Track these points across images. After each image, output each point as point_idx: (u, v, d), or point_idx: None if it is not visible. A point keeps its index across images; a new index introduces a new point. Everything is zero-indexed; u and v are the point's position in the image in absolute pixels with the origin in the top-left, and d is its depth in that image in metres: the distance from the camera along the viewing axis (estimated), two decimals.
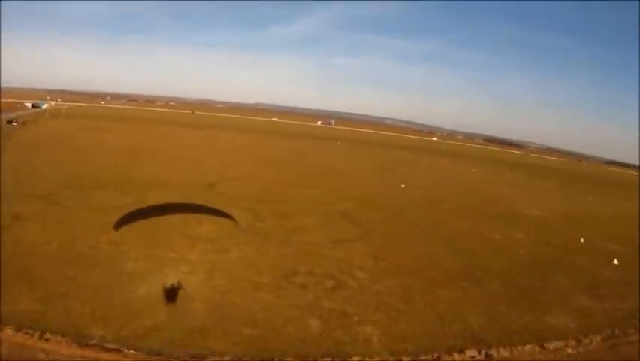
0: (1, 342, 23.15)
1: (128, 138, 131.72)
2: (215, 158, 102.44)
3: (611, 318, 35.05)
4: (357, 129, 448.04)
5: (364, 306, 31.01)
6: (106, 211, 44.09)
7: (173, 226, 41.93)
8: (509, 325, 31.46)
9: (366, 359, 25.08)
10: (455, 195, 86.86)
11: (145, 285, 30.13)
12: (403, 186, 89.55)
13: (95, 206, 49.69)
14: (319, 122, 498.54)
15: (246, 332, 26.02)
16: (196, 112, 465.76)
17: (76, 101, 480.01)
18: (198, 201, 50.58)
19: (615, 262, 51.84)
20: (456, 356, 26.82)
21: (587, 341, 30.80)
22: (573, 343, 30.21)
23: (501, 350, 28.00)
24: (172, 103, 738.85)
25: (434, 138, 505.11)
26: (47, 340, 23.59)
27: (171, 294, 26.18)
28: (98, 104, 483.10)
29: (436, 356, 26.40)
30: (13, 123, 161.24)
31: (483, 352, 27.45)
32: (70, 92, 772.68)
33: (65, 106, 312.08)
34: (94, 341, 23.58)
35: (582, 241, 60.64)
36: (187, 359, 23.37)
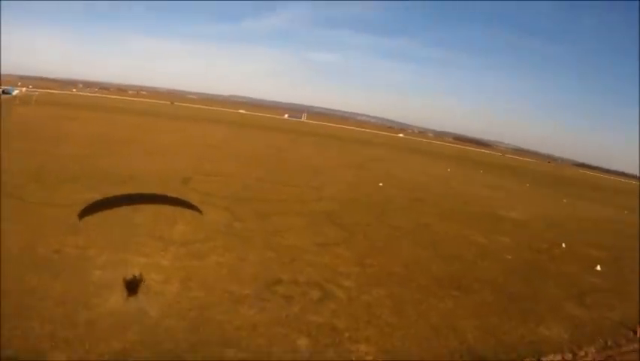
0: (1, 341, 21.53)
1: (99, 128, 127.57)
2: (189, 150, 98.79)
3: (601, 328, 34.27)
4: (330, 124, 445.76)
5: (355, 320, 28.78)
6: (73, 208, 40.82)
7: (144, 226, 39.36)
8: (505, 337, 30.12)
9: None
10: (433, 196, 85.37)
11: (113, 297, 26.96)
12: (381, 184, 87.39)
13: (61, 202, 45.62)
14: (286, 116, 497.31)
15: (228, 354, 23.25)
16: (175, 103, 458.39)
17: (49, 89, 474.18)
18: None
19: (598, 268, 51.22)
20: None
21: (582, 353, 29.87)
22: (569, 356, 29.25)
23: None
24: (143, 92, 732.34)
25: (400, 135, 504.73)
26: None
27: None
28: (70, 92, 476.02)
29: None
30: None
31: None
32: (43, 79, 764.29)
33: (37, 93, 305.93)
34: None
35: (564, 245, 59.57)
36: None
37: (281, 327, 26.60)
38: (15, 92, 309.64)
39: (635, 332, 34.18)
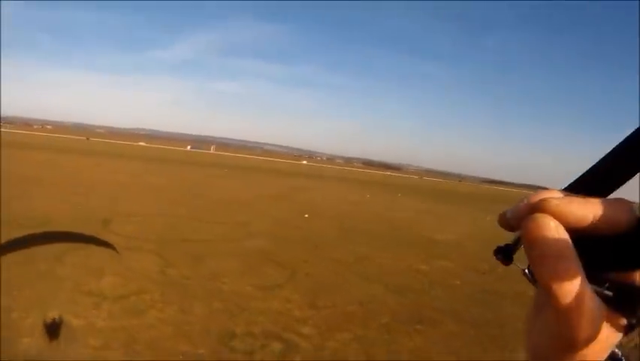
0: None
1: (4, 165, 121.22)
2: (103, 188, 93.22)
3: None
4: (239, 155, 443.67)
5: None
6: None
7: (70, 279, 35.23)
8: None
9: None
10: (362, 224, 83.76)
11: None
12: (306, 215, 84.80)
13: None
14: (189, 147, 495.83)
15: None
16: (90, 138, 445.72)
17: None
18: (92, 244, 45.13)
19: None
20: None
21: None
22: None
23: None
24: (49, 127, 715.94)
25: (304, 162, 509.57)
26: None
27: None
28: None
29: None
30: None
31: None
32: None
33: None
34: None
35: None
36: None
37: None
38: None
39: None
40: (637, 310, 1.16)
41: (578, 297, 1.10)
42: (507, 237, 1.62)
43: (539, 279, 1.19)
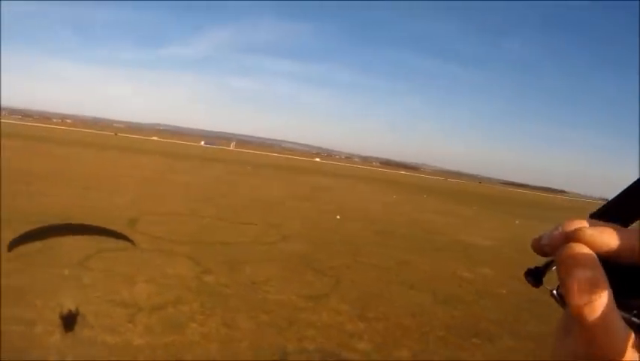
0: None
1: (25, 160, 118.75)
2: (129, 185, 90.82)
3: None
4: (259, 152, 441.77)
5: None
6: (4, 268, 34.57)
7: (98, 287, 32.46)
8: None
9: None
10: (395, 227, 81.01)
11: None
12: (338, 217, 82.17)
13: None
14: (202, 143, 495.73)
15: None
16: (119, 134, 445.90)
17: None
18: (120, 245, 42.12)
19: None
20: None
21: None
22: None
23: None
24: (68, 120, 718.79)
25: (317, 159, 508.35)
26: None
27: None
28: None
29: None
30: None
31: None
32: None
33: None
34: None
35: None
36: None
37: None
38: None
39: None
40: None
41: (608, 323, 1.18)
42: None
43: (572, 305, 1.27)
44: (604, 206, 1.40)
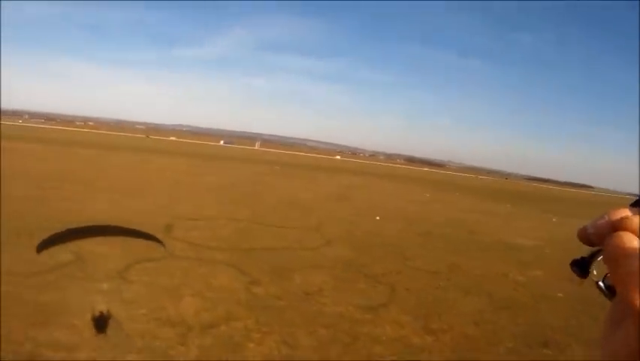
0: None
1: (53, 163, 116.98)
2: (158, 188, 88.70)
3: None
4: (284, 151, 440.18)
5: None
6: (37, 280, 31.96)
7: (142, 303, 30.01)
8: None
9: None
10: (435, 227, 78.25)
11: None
12: (377, 218, 79.49)
13: (18, 269, 35.51)
14: (222, 142, 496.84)
15: None
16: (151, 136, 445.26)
17: None
18: (158, 255, 39.72)
19: None
20: None
21: None
22: None
23: None
24: (91, 123, 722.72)
25: (337, 157, 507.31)
26: None
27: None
28: (15, 123, 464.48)
29: None
30: None
31: None
32: None
33: None
34: None
35: (595, 273, 52.33)
36: None
37: None
38: None
39: None
40: None
41: None
42: (581, 243, 1.73)
43: (625, 294, 1.28)
44: None
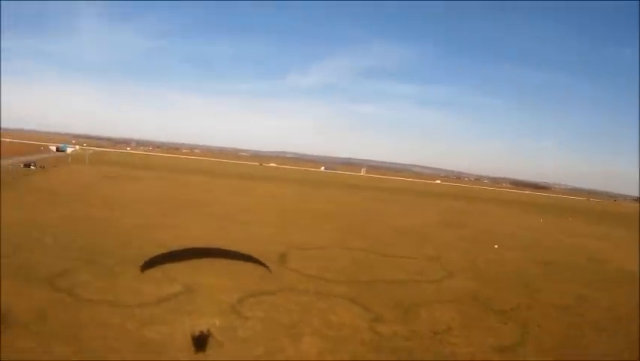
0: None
1: (160, 189, 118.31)
2: (267, 215, 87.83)
3: None
4: (389, 177, 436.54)
5: None
6: (146, 311, 31.06)
7: (258, 341, 28.67)
8: None
9: None
10: (555, 255, 74.25)
11: None
12: (496, 246, 76.02)
13: (127, 300, 34.51)
14: (322, 168, 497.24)
15: None
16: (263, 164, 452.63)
17: (102, 147, 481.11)
18: (273, 287, 38.51)
19: None
20: None
21: None
22: None
23: None
24: (197, 151, 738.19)
25: (437, 181, 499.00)
26: None
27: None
28: (124, 150, 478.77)
29: None
30: (32, 167, 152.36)
31: None
32: (96, 138, 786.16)
33: (90, 151, 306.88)
34: None
35: None
36: None
37: None
38: (69, 150, 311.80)
39: None
40: None
41: None
42: None
43: None
44: None
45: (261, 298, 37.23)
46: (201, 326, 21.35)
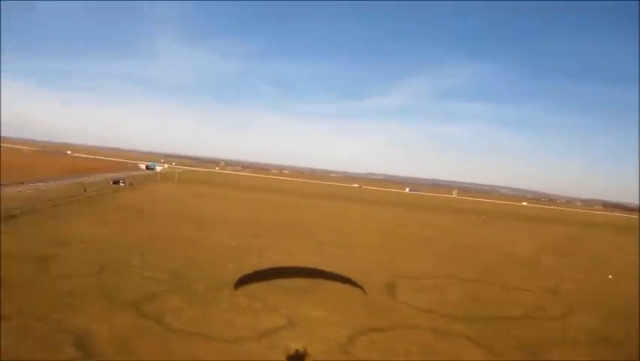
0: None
1: (249, 209, 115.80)
2: (367, 239, 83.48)
3: None
4: (481, 199, 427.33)
5: None
6: (242, 346, 27.45)
7: None
8: None
9: None
10: None
11: None
12: (610, 277, 69.49)
13: (221, 334, 30.87)
14: (407, 190, 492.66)
15: None
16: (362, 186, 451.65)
17: (191, 166, 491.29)
18: (384, 322, 34.57)
19: None
20: None
21: None
22: None
23: None
24: (286, 171, 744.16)
25: (523, 203, 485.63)
26: None
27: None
28: (212, 170, 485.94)
29: None
30: (120, 184, 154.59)
31: None
32: (185, 157, 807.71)
33: (179, 169, 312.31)
34: None
35: None
36: None
37: None
38: (158, 168, 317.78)
39: None
40: None
41: None
42: None
43: None
44: None
45: (373, 335, 33.57)
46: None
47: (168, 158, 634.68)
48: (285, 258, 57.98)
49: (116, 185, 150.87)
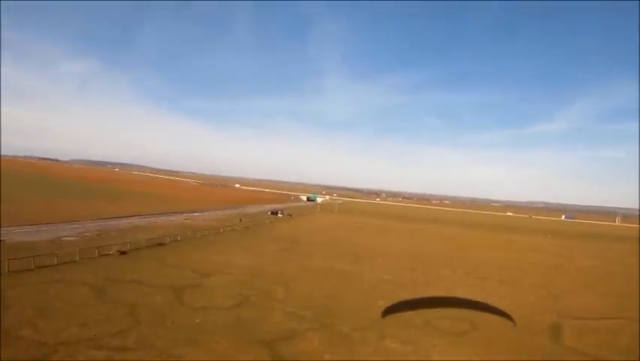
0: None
1: (408, 241, 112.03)
2: (529, 275, 77.52)
3: None
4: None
5: None
6: None
7: None
8: None
9: None
10: None
11: None
12: None
13: None
14: (563, 217, 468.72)
15: None
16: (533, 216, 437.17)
17: (352, 197, 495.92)
18: None
19: None
20: None
21: None
22: None
23: None
24: (446, 201, 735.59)
25: None
26: None
27: None
28: (373, 201, 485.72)
29: None
30: (279, 215, 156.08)
31: None
32: (347, 189, 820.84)
33: (340, 201, 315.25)
34: None
35: None
36: None
37: None
38: (319, 200, 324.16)
39: None
40: None
41: None
42: None
43: None
44: None
45: None
46: None
47: (330, 189, 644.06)
48: (442, 294, 54.17)
49: (274, 216, 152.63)
